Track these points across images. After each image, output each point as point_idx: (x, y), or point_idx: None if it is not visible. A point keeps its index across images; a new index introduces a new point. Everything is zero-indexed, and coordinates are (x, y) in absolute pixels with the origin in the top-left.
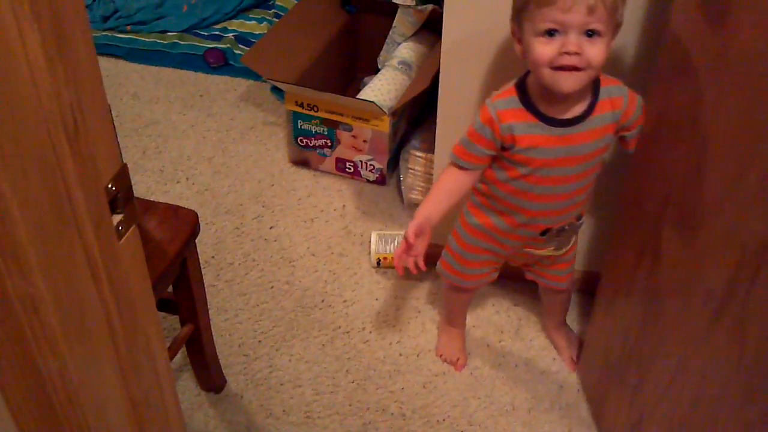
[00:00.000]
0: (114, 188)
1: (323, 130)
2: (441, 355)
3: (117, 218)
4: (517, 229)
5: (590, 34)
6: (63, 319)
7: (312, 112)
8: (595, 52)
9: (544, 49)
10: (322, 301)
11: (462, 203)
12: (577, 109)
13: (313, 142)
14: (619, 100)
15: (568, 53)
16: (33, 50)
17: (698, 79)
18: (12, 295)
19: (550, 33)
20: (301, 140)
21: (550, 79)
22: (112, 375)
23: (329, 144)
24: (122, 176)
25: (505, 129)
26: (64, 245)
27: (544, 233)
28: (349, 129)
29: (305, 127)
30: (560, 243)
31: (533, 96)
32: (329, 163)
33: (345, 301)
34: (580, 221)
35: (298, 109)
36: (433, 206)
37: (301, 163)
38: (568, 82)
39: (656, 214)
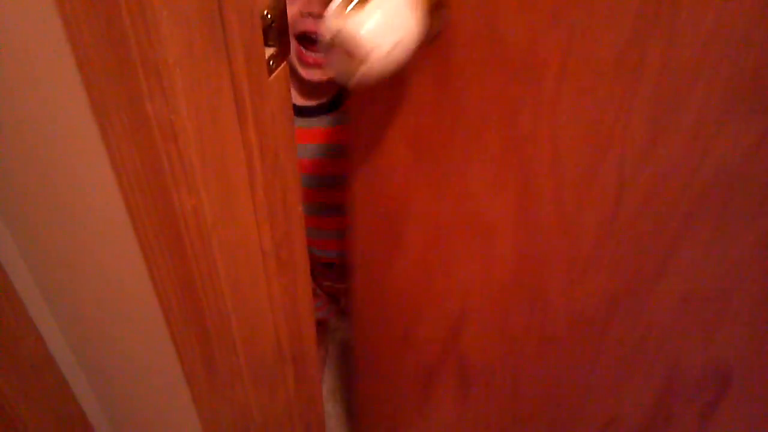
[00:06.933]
0: (270, 17)
1: None
2: None
3: (269, 51)
4: None
5: None
6: (203, 154)
7: None
8: None
9: None
10: None
11: None
12: None
13: None
14: None
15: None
16: None
17: None
18: (152, 120)
19: None
20: None
21: None
22: (246, 221)
23: None
24: (279, 5)
25: None
26: (212, 73)
27: None
28: None
29: None
30: None
31: None
32: None
33: None
34: None
35: None
36: None
37: None
38: None
39: None
